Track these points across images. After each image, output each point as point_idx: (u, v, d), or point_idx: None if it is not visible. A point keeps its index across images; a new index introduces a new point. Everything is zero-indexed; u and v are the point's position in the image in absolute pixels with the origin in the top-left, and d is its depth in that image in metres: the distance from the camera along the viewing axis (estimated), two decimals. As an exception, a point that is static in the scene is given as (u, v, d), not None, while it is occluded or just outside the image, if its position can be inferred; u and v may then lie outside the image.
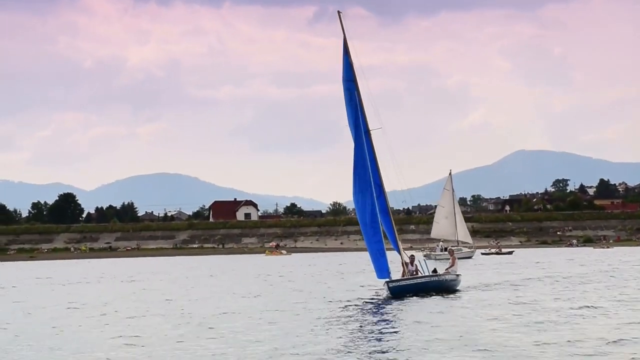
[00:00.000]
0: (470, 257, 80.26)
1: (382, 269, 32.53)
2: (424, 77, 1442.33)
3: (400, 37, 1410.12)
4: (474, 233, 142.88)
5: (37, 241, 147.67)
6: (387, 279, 32.19)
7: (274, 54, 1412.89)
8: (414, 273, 33.44)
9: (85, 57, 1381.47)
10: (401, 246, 33.92)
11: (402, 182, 35.39)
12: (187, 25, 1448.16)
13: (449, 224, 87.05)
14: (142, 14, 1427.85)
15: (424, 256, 79.92)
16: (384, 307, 28.28)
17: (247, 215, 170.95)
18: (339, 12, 33.79)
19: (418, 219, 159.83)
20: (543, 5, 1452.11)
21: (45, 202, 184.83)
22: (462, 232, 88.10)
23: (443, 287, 33.16)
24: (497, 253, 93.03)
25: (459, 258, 76.92)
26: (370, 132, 33.83)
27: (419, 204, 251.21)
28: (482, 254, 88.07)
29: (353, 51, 33.49)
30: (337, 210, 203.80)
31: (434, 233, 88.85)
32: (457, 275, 34.71)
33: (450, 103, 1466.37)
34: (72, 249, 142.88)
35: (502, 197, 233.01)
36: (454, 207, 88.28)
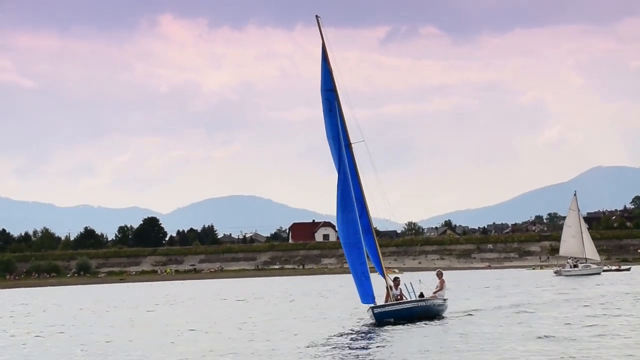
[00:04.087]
0: (598, 274, 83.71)
1: (366, 294, 30.58)
2: (498, 94, 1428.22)
3: (473, 55, 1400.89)
4: (552, 251, 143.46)
5: (125, 264, 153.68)
6: (372, 304, 30.33)
7: (346, 75, 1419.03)
8: (399, 298, 31.56)
9: (161, 82, 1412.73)
10: (385, 268, 31.92)
11: (385, 199, 32.81)
12: (260, 48, 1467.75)
13: (576, 243, 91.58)
14: (216, 39, 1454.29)
15: (555, 272, 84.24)
16: (370, 335, 27.11)
17: (326, 237, 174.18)
18: (317, 16, 31.70)
19: (495, 238, 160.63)
20: (620, 20, 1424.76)
21: (131, 226, 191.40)
22: (590, 250, 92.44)
23: (431, 313, 31.14)
24: (617, 270, 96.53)
25: (588, 275, 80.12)
26: (352, 145, 31.89)
27: (494, 223, 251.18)
28: (603, 270, 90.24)
29: (332, 58, 31.48)
30: (413, 230, 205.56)
31: (562, 251, 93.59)
32: (444, 299, 32.45)
33: (525, 120, 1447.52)
34: (158, 271, 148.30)
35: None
36: (580, 226, 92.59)
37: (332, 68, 31.40)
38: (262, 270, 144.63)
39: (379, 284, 31.42)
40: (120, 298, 67.56)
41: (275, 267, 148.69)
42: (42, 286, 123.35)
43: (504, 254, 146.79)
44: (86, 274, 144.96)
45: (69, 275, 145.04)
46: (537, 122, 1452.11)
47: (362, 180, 32.09)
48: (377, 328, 28.74)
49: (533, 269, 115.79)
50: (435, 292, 32.22)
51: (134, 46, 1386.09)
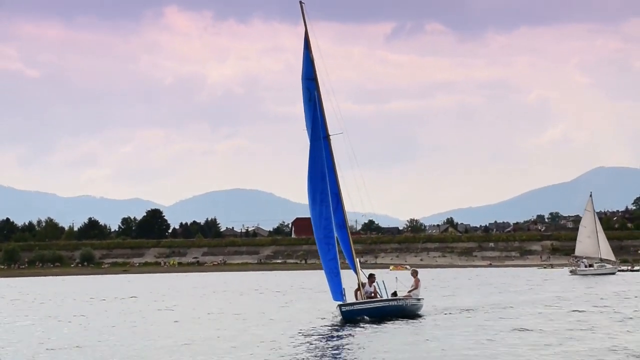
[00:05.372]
0: (613, 274, 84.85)
1: (335, 290, 29.57)
2: (503, 92, 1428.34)
3: (478, 53, 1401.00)
4: (553, 251, 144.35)
5: (129, 255, 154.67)
6: (340, 302, 29.24)
7: (351, 71, 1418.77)
8: (372, 295, 30.30)
9: (166, 74, 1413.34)
10: (358, 264, 30.83)
11: (362, 195, 31.41)
12: (265, 42, 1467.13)
13: (591, 243, 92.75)
14: (222, 32, 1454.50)
15: (570, 272, 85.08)
16: (336, 334, 26.00)
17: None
18: (301, 2, 30.61)
19: (497, 237, 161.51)
20: (626, 20, 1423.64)
21: (134, 218, 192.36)
22: (605, 250, 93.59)
23: (403, 312, 29.92)
24: (630, 270, 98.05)
25: (603, 274, 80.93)
26: (330, 137, 30.69)
27: (495, 221, 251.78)
28: (618, 271, 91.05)
29: (315, 46, 30.40)
30: (415, 227, 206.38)
31: (578, 251, 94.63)
32: (419, 299, 31.42)
33: (529, 119, 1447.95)
34: (162, 263, 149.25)
35: (581, 215, 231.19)
36: (596, 227, 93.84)
37: (315, 57, 30.48)
38: (264, 264, 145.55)
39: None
40: (126, 288, 68.42)
41: (278, 261, 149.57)
42: (45, 275, 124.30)
43: (505, 253, 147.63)
44: (90, 265, 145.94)
45: (72, 266, 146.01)
46: (541, 120, 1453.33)
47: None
48: (341, 327, 27.53)
49: (544, 267, 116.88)
50: (409, 291, 31.22)
51: (139, 37, 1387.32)
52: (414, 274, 32.28)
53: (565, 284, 61.10)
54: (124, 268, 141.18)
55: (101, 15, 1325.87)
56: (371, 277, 30.67)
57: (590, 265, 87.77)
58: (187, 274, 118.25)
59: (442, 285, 59.34)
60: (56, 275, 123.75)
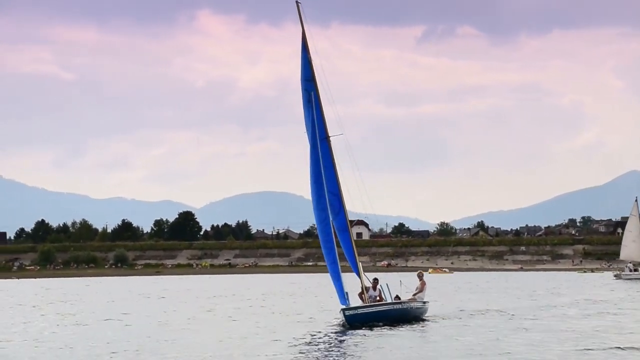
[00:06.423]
0: None
1: (339, 294, 29.39)
2: (535, 96, 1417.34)
3: (511, 56, 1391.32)
4: (585, 255, 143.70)
5: (162, 257, 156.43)
6: (344, 306, 28.92)
7: (382, 74, 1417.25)
8: (377, 299, 29.96)
9: (198, 77, 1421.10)
10: (361, 268, 30.36)
11: (364, 196, 31.14)
12: (297, 46, 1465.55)
13: (636, 247, 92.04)
14: (254, 35, 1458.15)
15: (615, 276, 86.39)
16: (340, 339, 25.88)
17: (359, 235, 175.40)
18: (297, 2, 30.27)
19: (528, 240, 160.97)
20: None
21: (166, 220, 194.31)
22: None
23: (408, 316, 29.55)
24: None
25: None
26: (330, 138, 30.36)
27: (526, 225, 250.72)
28: None
29: (312, 47, 30.22)
30: (445, 230, 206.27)
31: (623, 255, 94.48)
32: (424, 302, 30.99)
33: (562, 122, 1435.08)
34: (194, 265, 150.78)
35: (613, 219, 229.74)
36: None
37: (312, 58, 30.33)
38: (295, 267, 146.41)
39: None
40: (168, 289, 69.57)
41: (309, 263, 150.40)
42: (80, 276, 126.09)
43: (537, 257, 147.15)
44: (123, 266, 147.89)
45: (106, 267, 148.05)
46: (574, 124, 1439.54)
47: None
48: (346, 331, 27.30)
49: (584, 272, 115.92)
50: (414, 294, 30.76)
51: (172, 41, 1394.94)
52: (420, 276, 31.74)
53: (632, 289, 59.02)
54: (156, 269, 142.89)
55: (135, 18, 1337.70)
56: (375, 281, 30.32)
57: (635, 270, 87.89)
58: (242, 276, 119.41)
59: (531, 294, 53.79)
60: (90, 276, 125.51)
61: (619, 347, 22.48)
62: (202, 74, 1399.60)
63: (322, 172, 29.33)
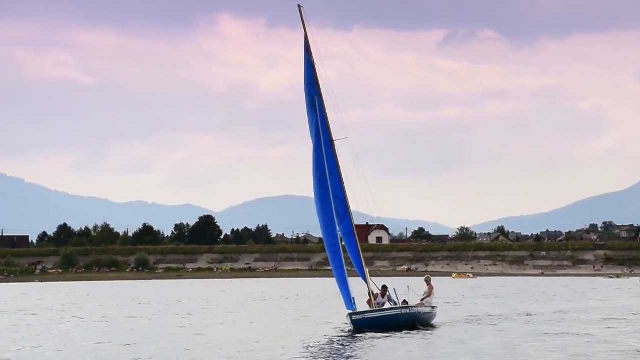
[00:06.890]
0: None
1: (345, 299, 29.43)
2: (556, 100, 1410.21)
3: (531, 60, 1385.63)
4: (606, 261, 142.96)
5: (183, 261, 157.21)
6: (351, 311, 28.88)
7: (402, 78, 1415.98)
8: (384, 306, 29.76)
9: (218, 81, 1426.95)
10: (368, 273, 30.29)
11: (369, 199, 31.01)
12: (316, 49, 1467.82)
13: None
14: (273, 39, 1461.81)
15: None
16: (345, 344, 25.96)
17: (379, 239, 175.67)
18: (299, 6, 30.00)
19: (549, 246, 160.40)
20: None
21: (187, 224, 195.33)
22: None
23: (416, 321, 29.30)
24: None
25: None
26: (334, 142, 30.18)
27: (547, 230, 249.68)
28: None
29: (315, 51, 30.07)
30: (465, 235, 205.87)
31: None
32: (433, 307, 30.88)
33: (583, 127, 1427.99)
34: (214, 269, 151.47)
35: (635, 225, 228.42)
36: None
37: (315, 61, 30.26)
38: (315, 271, 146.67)
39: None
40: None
41: (329, 268, 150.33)
42: (102, 280, 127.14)
43: (557, 262, 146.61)
44: (144, 270, 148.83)
45: (128, 270, 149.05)
46: (596, 129, 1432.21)
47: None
48: (353, 336, 27.32)
49: (610, 277, 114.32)
50: (422, 299, 30.60)
51: (192, 44, 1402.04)
52: (428, 280, 31.57)
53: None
54: (177, 273, 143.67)
55: (155, 22, 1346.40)
56: (384, 288, 30.22)
57: None
58: (261, 280, 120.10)
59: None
60: (112, 280, 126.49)
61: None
62: (223, 78, 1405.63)
63: (327, 176, 29.24)
